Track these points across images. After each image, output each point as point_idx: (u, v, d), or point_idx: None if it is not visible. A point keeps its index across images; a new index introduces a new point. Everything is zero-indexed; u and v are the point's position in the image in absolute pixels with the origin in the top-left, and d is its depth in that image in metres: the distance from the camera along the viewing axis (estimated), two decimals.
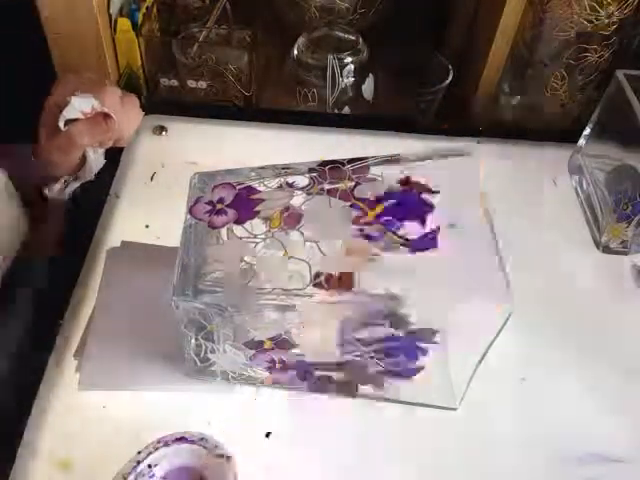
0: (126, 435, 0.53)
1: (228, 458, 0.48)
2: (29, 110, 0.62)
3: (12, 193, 0.62)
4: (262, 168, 0.52)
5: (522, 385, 0.60)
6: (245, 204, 0.50)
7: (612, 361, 0.62)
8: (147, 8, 0.80)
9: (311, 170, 0.51)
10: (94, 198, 0.70)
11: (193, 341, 0.52)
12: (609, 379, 0.60)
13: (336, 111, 0.85)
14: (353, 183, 0.50)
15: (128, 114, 0.63)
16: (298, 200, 0.49)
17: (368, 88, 0.83)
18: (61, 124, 0.60)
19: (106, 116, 0.61)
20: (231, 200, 0.50)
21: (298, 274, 0.46)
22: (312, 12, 0.84)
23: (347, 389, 0.56)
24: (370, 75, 0.83)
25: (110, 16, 0.74)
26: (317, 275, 0.46)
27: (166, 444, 0.49)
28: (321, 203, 0.49)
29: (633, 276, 0.68)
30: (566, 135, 0.80)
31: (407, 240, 0.48)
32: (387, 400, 0.56)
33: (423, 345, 0.51)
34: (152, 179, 0.73)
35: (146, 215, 0.69)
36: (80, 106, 0.59)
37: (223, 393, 0.57)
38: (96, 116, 0.60)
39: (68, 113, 0.59)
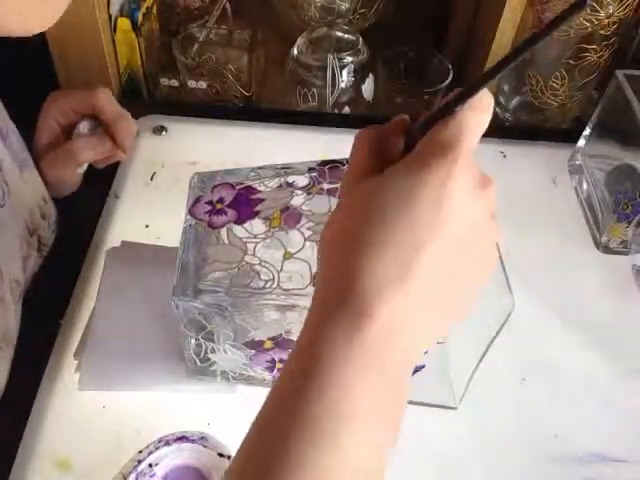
0: (126, 435, 0.53)
1: (229, 457, 0.48)
2: (29, 114, 0.62)
3: None
4: (262, 168, 0.52)
5: (522, 385, 0.60)
6: (245, 204, 0.49)
7: (612, 361, 0.62)
8: (147, 8, 0.80)
9: (311, 170, 0.51)
10: (94, 198, 0.70)
11: (193, 341, 0.52)
12: (609, 379, 0.60)
13: (336, 111, 0.85)
14: None
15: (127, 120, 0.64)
16: (298, 200, 0.49)
17: (368, 88, 0.83)
18: (82, 130, 0.63)
19: (108, 133, 0.63)
20: (231, 200, 0.50)
21: (298, 274, 0.46)
22: (312, 12, 0.84)
23: None
24: (370, 75, 0.83)
25: (110, 16, 0.74)
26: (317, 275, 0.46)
27: (167, 443, 0.49)
28: (321, 203, 0.49)
29: (633, 276, 0.68)
30: (566, 135, 0.80)
31: None
32: None
33: None
34: (152, 179, 0.73)
35: (146, 215, 0.69)
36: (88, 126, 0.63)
37: (223, 393, 0.57)
38: (99, 133, 0.63)
39: (83, 127, 0.63)
